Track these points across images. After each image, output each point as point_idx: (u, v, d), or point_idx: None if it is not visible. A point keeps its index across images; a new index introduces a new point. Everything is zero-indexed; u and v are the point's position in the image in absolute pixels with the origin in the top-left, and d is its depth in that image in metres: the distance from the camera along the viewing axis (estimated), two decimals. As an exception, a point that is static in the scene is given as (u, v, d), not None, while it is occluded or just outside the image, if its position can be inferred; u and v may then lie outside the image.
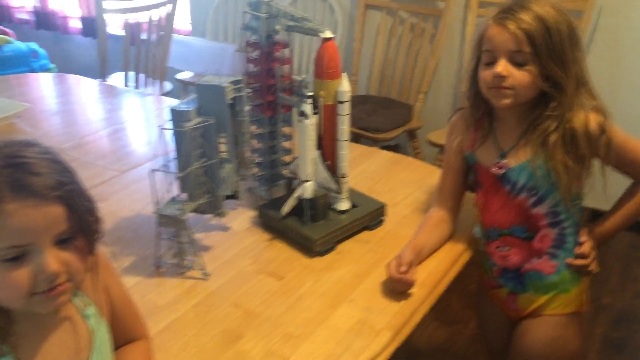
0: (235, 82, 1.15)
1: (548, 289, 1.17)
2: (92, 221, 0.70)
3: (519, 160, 1.11)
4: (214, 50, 2.98)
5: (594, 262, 1.15)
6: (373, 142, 2.41)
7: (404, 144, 2.90)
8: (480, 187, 1.19)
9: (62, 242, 0.66)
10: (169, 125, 1.11)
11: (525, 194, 1.11)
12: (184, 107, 1.11)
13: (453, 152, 1.21)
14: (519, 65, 1.02)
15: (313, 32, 1.19)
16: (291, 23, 1.24)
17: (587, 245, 1.14)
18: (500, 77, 1.02)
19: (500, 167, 1.13)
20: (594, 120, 1.05)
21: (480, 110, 1.14)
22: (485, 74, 1.05)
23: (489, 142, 1.15)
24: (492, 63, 1.04)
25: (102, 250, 0.80)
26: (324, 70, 1.17)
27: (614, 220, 1.17)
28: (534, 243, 1.14)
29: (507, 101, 1.05)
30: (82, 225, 0.68)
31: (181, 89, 3.10)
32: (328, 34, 1.16)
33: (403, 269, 1.04)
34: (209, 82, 1.13)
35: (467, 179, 1.23)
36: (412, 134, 2.62)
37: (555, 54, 1.01)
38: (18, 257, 0.64)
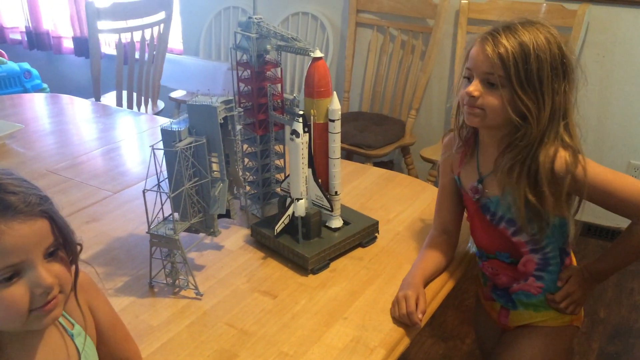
0: (227, 102, 1.16)
1: (537, 307, 1.18)
2: (70, 232, 0.71)
3: (495, 191, 1.10)
4: (207, 69, 3.01)
5: (572, 305, 1.14)
6: (366, 159, 2.42)
7: (397, 160, 2.92)
8: (466, 210, 1.20)
9: (49, 255, 0.67)
10: (161, 145, 1.12)
11: (504, 224, 1.11)
12: (175, 127, 1.12)
13: (444, 172, 1.21)
14: (492, 85, 1.01)
15: (303, 52, 1.21)
16: (281, 43, 1.25)
17: (561, 292, 1.14)
18: (472, 97, 1.02)
19: (476, 192, 1.13)
20: (562, 158, 1.01)
21: (468, 130, 1.14)
22: (461, 92, 1.06)
23: (472, 165, 1.15)
24: (470, 79, 1.04)
25: (85, 271, 0.80)
26: (314, 89, 1.18)
27: (608, 261, 1.13)
28: (519, 267, 1.15)
29: (476, 120, 1.05)
30: (64, 237, 0.69)
31: (174, 107, 3.12)
32: (318, 53, 1.18)
33: (420, 316, 1.02)
34: (200, 102, 1.13)
35: (461, 198, 1.22)
36: (405, 150, 2.63)
37: (528, 82, 0.99)
38: (12, 276, 0.64)
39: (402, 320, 1.03)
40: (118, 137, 1.98)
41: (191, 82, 3.01)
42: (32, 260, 0.65)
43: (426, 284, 1.12)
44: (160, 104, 3.04)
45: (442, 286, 1.16)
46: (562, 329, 1.18)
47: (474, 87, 1.02)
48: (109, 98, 3.04)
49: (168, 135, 1.11)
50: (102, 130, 2.06)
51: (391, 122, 2.61)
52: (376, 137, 2.46)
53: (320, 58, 1.17)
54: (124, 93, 2.89)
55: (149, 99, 2.95)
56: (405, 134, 2.58)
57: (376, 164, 2.37)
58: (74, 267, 0.73)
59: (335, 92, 1.19)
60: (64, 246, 0.70)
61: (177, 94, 3.11)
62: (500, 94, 1.00)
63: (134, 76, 2.86)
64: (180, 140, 1.10)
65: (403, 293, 1.05)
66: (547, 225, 1.07)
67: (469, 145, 1.15)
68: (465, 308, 2.08)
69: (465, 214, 1.23)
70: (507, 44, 0.98)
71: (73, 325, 0.76)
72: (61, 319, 0.75)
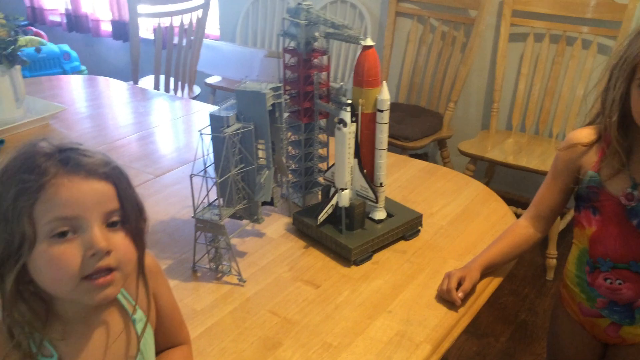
0: (275, 89, 1.15)
1: None
2: (140, 215, 0.70)
3: None
4: (243, 55, 3.00)
5: None
6: (401, 150, 2.39)
7: (432, 153, 2.88)
8: (596, 214, 1.07)
9: (111, 225, 0.67)
10: (208, 130, 1.11)
11: None
12: (223, 113, 1.11)
13: (566, 165, 1.10)
14: None
15: (353, 40, 1.19)
16: (331, 30, 1.23)
17: None
18: None
19: (631, 199, 1.02)
20: None
21: (627, 139, 1.01)
22: None
23: (622, 171, 1.03)
24: None
25: (153, 256, 0.80)
26: (363, 78, 1.16)
27: None
28: None
29: None
30: (129, 211, 0.68)
31: (209, 93, 3.13)
32: (369, 41, 1.16)
33: (461, 295, 1.04)
34: (249, 88, 1.13)
35: (569, 196, 1.14)
36: (441, 143, 2.60)
37: None
38: (67, 233, 0.63)
39: (443, 296, 1.06)
40: (156, 121, 1.99)
41: (227, 69, 3.01)
42: (88, 219, 0.64)
43: (488, 268, 1.11)
44: (196, 90, 3.04)
45: (487, 284, 1.13)
46: None
47: None
48: (146, 82, 3.06)
49: (216, 121, 1.10)
50: (141, 114, 2.08)
51: (428, 115, 2.57)
52: (413, 128, 2.43)
53: (371, 46, 1.15)
54: (161, 77, 2.91)
55: (185, 84, 2.97)
56: (443, 127, 2.54)
57: (411, 156, 2.35)
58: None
59: (385, 82, 1.17)
60: (131, 225, 0.68)
61: (213, 79, 3.11)
62: None
63: (172, 61, 2.88)
64: (228, 126, 1.10)
65: (450, 272, 1.07)
66: None
67: (609, 146, 1.04)
68: (499, 306, 2.05)
69: (582, 223, 1.11)
70: None
71: (136, 310, 0.76)
72: (125, 302, 0.76)
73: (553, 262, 2.19)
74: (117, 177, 0.68)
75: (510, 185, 2.69)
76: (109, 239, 0.65)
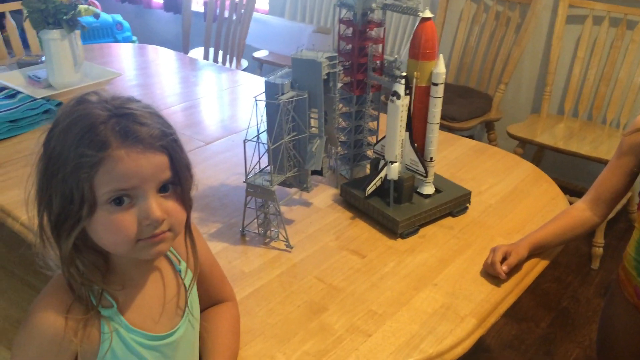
0: (331, 58, 1.15)
1: None
2: (189, 175, 0.72)
3: None
4: (292, 30, 3.00)
5: None
6: (448, 131, 2.35)
7: (478, 135, 2.84)
8: None
9: (163, 190, 0.68)
10: (263, 97, 1.13)
11: None
12: (279, 80, 1.12)
13: (631, 148, 1.08)
14: None
15: (411, 12, 1.17)
16: (388, 1, 1.22)
17: None
18: None
19: None
20: None
21: None
22: None
23: None
24: None
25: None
26: (420, 51, 1.15)
27: None
28: None
29: None
30: (181, 177, 0.70)
31: (257, 67, 3.14)
32: (427, 13, 1.14)
33: (505, 268, 1.04)
34: (305, 56, 1.13)
35: (633, 180, 1.11)
36: (488, 125, 2.55)
37: None
38: (123, 201, 0.66)
39: (487, 270, 1.06)
40: (204, 91, 2.02)
41: (275, 43, 3.02)
42: (144, 190, 0.66)
43: (538, 248, 1.10)
44: (244, 63, 3.07)
45: (536, 263, 1.12)
46: None
47: None
48: (195, 54, 3.10)
49: (271, 88, 1.11)
50: (192, 83, 2.11)
51: (477, 96, 2.53)
52: (461, 109, 2.40)
53: (429, 19, 1.14)
54: (210, 50, 2.94)
55: (234, 57, 2.99)
56: (492, 109, 2.49)
57: (458, 138, 2.31)
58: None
59: (441, 55, 1.15)
60: (182, 187, 0.70)
61: (260, 54, 3.13)
62: None
63: (221, 34, 2.90)
64: (283, 94, 1.11)
65: (496, 246, 1.07)
66: None
67: None
68: (541, 292, 2.02)
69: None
70: None
71: (180, 261, 0.79)
72: (171, 256, 0.79)
73: (599, 251, 2.13)
74: (172, 148, 0.68)
75: (559, 171, 2.62)
76: (162, 205, 0.68)
